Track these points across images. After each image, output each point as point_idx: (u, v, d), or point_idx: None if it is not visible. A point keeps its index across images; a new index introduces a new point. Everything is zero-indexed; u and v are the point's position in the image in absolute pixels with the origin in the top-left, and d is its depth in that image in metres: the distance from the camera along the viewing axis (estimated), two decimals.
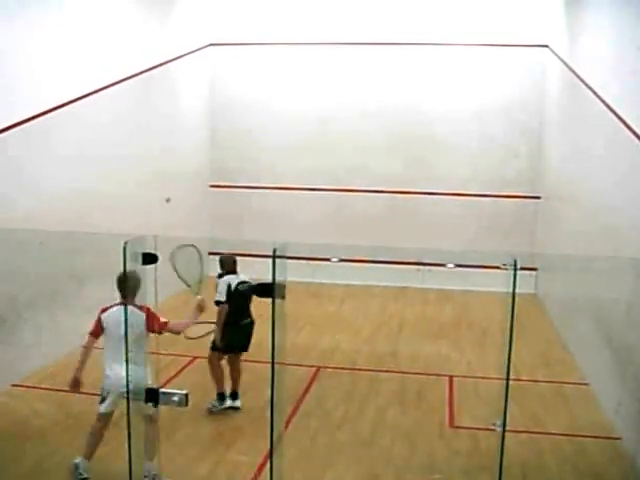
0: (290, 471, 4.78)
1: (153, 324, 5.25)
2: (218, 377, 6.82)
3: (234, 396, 6.87)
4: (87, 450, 5.33)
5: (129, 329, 4.86)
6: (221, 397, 6.81)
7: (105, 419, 5.38)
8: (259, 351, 7.58)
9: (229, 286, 6.65)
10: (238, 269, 6.86)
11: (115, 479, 5.27)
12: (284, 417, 5.08)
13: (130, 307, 4.94)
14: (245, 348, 6.91)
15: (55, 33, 7.98)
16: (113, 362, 5.20)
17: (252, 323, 6.87)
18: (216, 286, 6.72)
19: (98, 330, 5.45)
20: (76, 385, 5.41)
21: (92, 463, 5.51)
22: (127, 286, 5.09)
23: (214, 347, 6.75)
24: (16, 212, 7.19)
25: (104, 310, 5.47)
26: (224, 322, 6.60)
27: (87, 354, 5.45)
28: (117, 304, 5.34)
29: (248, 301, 6.78)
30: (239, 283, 6.70)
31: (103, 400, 5.35)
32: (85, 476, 5.27)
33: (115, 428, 5.72)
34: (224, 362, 6.93)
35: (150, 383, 5.08)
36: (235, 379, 6.94)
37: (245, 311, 6.81)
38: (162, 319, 5.34)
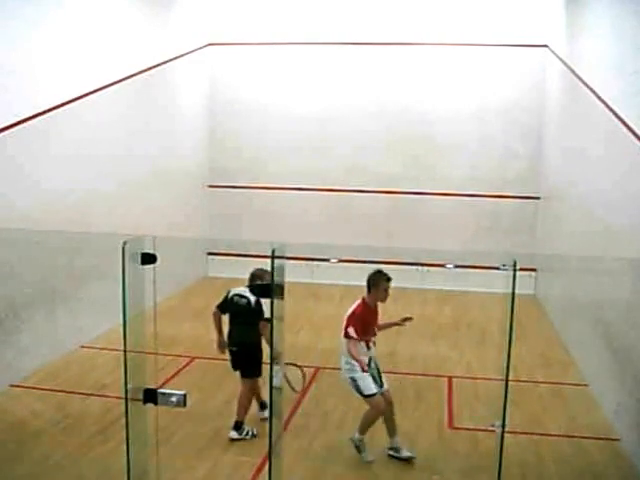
0: (289, 471, 4.78)
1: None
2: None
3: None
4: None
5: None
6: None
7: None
8: None
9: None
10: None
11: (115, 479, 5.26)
12: (283, 417, 5.07)
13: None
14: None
15: (54, 32, 7.97)
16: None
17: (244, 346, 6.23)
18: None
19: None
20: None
21: (91, 463, 5.51)
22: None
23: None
24: (15, 212, 7.18)
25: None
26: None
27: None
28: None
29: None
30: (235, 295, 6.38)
31: None
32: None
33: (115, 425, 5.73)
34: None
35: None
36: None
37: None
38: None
